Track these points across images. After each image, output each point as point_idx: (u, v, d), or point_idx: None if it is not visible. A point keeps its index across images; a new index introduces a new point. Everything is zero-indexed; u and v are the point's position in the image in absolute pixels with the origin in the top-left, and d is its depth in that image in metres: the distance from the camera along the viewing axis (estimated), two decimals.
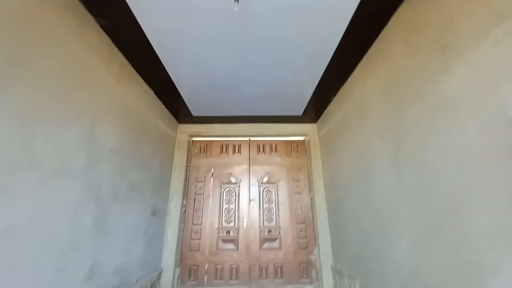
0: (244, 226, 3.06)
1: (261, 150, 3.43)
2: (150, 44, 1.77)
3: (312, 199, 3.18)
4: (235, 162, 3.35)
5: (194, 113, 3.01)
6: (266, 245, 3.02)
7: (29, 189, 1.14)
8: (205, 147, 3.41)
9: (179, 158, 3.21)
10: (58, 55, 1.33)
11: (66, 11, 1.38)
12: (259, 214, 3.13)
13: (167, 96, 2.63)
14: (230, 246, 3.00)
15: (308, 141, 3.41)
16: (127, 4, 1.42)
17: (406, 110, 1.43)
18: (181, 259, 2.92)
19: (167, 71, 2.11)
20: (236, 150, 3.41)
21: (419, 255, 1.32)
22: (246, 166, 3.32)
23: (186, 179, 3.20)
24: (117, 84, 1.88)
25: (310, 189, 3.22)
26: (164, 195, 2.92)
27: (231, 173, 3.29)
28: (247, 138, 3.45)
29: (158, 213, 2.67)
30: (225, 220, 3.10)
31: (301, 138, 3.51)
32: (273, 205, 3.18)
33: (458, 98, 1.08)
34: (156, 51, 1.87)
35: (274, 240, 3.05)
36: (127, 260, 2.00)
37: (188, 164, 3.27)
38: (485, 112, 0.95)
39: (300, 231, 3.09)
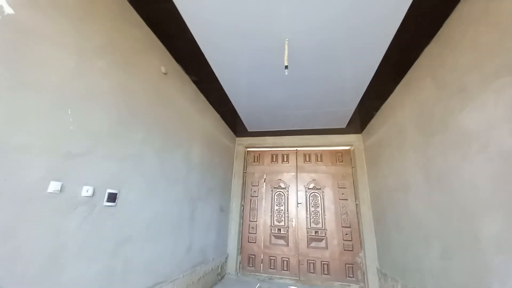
0: (293, 226, 3.51)
1: (307, 159, 3.83)
2: (220, 84, 2.43)
3: (357, 205, 3.40)
4: (284, 169, 3.84)
5: (250, 129, 3.64)
6: (313, 244, 3.41)
7: (162, 190, 1.89)
8: (258, 157, 4.02)
9: (238, 166, 3.89)
10: (174, 107, 2.08)
11: (177, 77, 2.14)
12: (306, 217, 3.53)
13: (228, 117, 3.32)
14: (281, 241, 3.50)
15: (353, 151, 3.64)
16: (208, 63, 2.09)
17: (434, 137, 1.68)
18: (241, 248, 3.57)
19: (230, 99, 2.76)
20: (285, 159, 3.90)
21: (447, 259, 1.56)
22: (294, 173, 3.78)
23: (243, 184, 3.86)
24: (200, 117, 2.62)
25: (356, 197, 3.46)
26: (227, 197, 3.63)
27: (280, 179, 3.79)
28: (294, 149, 3.91)
29: (224, 210, 3.38)
30: (276, 220, 3.62)
31: (346, 147, 3.76)
32: (319, 209, 3.54)
33: (471, 132, 1.33)
34: (225, 90, 2.54)
35: (320, 240, 3.41)
36: (206, 243, 2.72)
37: (245, 171, 3.93)
38: (490, 145, 1.20)
39: (346, 234, 3.36)
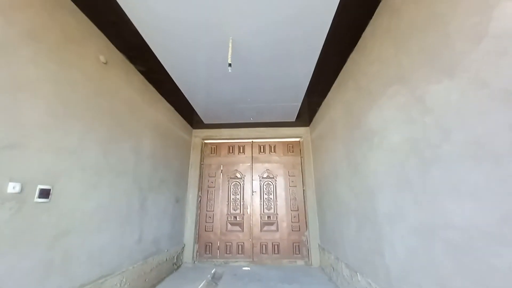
0: (248, 213, 3.76)
1: (262, 150, 4.07)
2: (171, 76, 2.43)
3: (304, 191, 3.80)
4: (240, 160, 4.02)
5: (206, 121, 3.69)
6: (265, 228, 3.71)
7: (107, 182, 1.87)
8: (215, 148, 4.11)
9: (194, 157, 3.93)
10: (119, 98, 2.03)
11: (121, 67, 2.07)
12: (260, 204, 3.80)
13: (183, 110, 3.31)
14: (237, 228, 3.72)
15: (302, 142, 4.00)
16: (155, 55, 2.08)
17: (353, 131, 2.02)
18: (198, 237, 3.69)
19: (183, 92, 2.77)
20: (241, 151, 4.08)
21: (359, 231, 1.94)
22: (249, 164, 3.99)
23: (200, 175, 3.93)
24: (151, 108, 2.58)
25: (303, 183, 3.84)
26: (184, 188, 3.66)
27: (237, 170, 3.97)
28: (250, 140, 4.10)
29: (180, 201, 3.42)
30: (232, 208, 3.81)
31: (296, 139, 4.10)
32: (272, 196, 3.84)
33: (374, 129, 1.66)
34: (177, 83, 2.55)
35: (272, 224, 3.73)
36: (159, 234, 2.76)
37: (202, 163, 3.99)
38: (384, 140, 1.54)
39: (294, 217, 3.74)
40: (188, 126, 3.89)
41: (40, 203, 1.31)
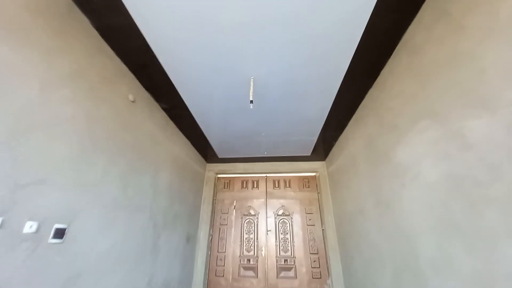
0: (263, 255, 3.46)
1: (277, 185, 3.94)
2: (191, 112, 2.51)
3: (324, 231, 3.52)
4: (254, 196, 3.88)
5: (220, 155, 3.69)
6: (282, 273, 3.36)
7: (124, 219, 1.79)
8: (229, 183, 4.02)
9: (207, 192, 3.83)
10: (142, 133, 2.08)
11: (145, 104, 2.18)
12: (275, 244, 3.52)
13: (199, 144, 3.35)
14: (250, 273, 3.39)
15: (318, 177, 3.87)
16: (179, 93, 2.19)
17: (378, 166, 1.92)
18: (208, 283, 3.36)
19: (200, 127, 2.83)
20: (255, 186, 3.96)
21: (397, 281, 1.69)
22: (263, 200, 3.83)
23: (213, 211, 3.77)
24: (169, 143, 2.63)
25: (322, 222, 3.58)
26: (195, 224, 3.49)
27: (250, 206, 3.80)
28: (264, 175, 4.01)
29: (190, 240, 3.23)
30: (245, 249, 3.53)
31: (312, 174, 3.98)
32: (288, 235, 3.57)
33: (405, 164, 1.57)
34: (195, 118, 2.63)
35: (290, 269, 3.38)
36: (170, 276, 2.53)
37: (214, 198, 3.88)
38: (419, 176, 1.43)
39: (314, 261, 3.40)
40: (203, 160, 3.90)
41: (53, 244, 1.24)
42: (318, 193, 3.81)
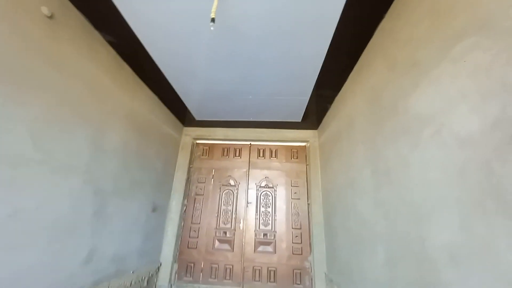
0: (241, 228, 3.15)
1: (261, 155, 3.51)
2: (149, 54, 1.95)
3: (309, 205, 3.19)
4: (235, 165, 3.46)
5: (197, 117, 3.18)
6: (261, 248, 3.08)
7: (35, 180, 1.33)
8: (208, 150, 3.57)
9: (183, 159, 3.39)
10: (74, 71, 1.53)
11: (76, 28, 1.60)
12: (255, 218, 3.20)
13: (171, 102, 2.81)
14: (226, 246, 3.10)
15: (309, 147, 3.44)
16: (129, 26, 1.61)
17: (384, 123, 1.46)
18: (179, 255, 3.07)
19: (165, 76, 2.27)
20: (237, 154, 3.53)
21: (392, 267, 1.33)
22: (245, 170, 3.42)
23: (188, 180, 3.37)
24: (125, 94, 2.09)
25: (308, 196, 3.24)
26: (166, 193, 3.10)
27: (230, 176, 3.40)
28: (248, 143, 3.56)
29: (159, 209, 2.85)
30: (222, 221, 3.21)
31: (302, 144, 3.54)
32: (270, 209, 3.24)
33: (423, 116, 1.10)
34: (162, 70, 2.09)
35: (269, 243, 3.10)
36: (125, 250, 2.18)
37: (191, 166, 3.45)
38: (444, 131, 0.98)
39: (296, 236, 3.11)
40: (178, 122, 3.38)
41: None
42: (307, 165, 3.41)
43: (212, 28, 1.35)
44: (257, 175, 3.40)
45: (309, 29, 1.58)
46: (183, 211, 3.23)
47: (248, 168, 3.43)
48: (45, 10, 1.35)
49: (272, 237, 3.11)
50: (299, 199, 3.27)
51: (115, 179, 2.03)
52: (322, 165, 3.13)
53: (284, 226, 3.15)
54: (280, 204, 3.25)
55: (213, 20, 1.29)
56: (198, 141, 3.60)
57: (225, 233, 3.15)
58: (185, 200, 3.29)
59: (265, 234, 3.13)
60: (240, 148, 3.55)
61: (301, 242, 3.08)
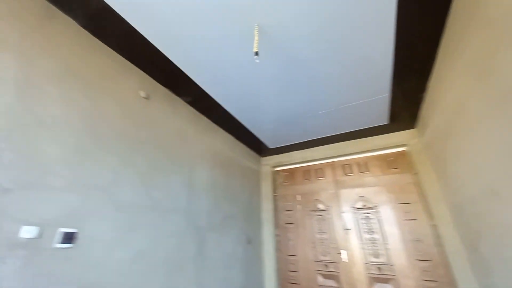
0: (343, 260, 2.69)
1: (348, 171, 3.07)
2: (217, 101, 2.22)
3: (435, 228, 2.39)
4: (320, 187, 3.16)
5: (271, 145, 3.24)
6: (377, 286, 2.48)
7: (149, 222, 1.64)
8: (288, 176, 3.48)
9: (266, 188, 3.44)
10: (165, 130, 1.95)
11: (165, 99, 2.05)
12: (360, 247, 2.68)
13: (245, 137, 3.03)
14: (331, 283, 2.69)
15: (410, 152, 2.73)
16: (197, 84, 1.94)
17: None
18: None
19: (235, 116, 2.50)
20: (319, 175, 3.24)
21: None
22: (333, 191, 3.05)
23: (275, 209, 3.33)
24: (204, 138, 2.43)
25: (430, 215, 2.45)
26: (257, 225, 3.15)
27: (318, 200, 3.11)
28: (329, 160, 3.23)
29: (252, 242, 2.90)
30: (320, 252, 2.87)
31: (399, 149, 2.86)
32: (377, 235, 2.64)
33: None
34: (232, 114, 2.44)
35: (387, 281, 2.46)
36: (228, 286, 2.26)
37: (275, 194, 3.43)
38: None
39: (425, 271, 2.33)
40: (255, 154, 3.56)
41: (61, 249, 1.16)
42: (414, 174, 2.68)
43: (257, 61, 1.40)
44: (349, 195, 2.94)
45: (367, 28, 1.42)
46: (276, 242, 3.14)
47: (335, 188, 3.05)
48: (142, 94, 1.82)
49: (390, 272, 2.46)
50: (415, 220, 2.53)
51: (209, 215, 2.25)
52: (438, 171, 2.36)
53: (404, 257, 2.45)
54: (389, 228, 2.61)
55: (256, 53, 1.35)
56: (277, 168, 3.60)
57: (327, 266, 2.77)
58: (277, 230, 3.21)
59: (379, 268, 2.53)
60: (321, 167, 3.27)
61: (436, 279, 2.26)
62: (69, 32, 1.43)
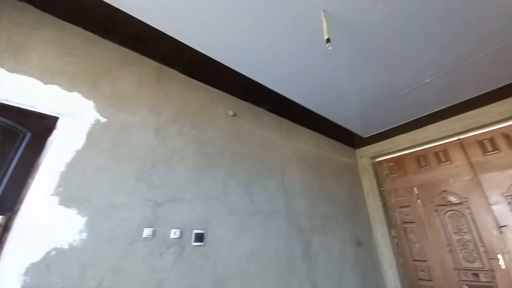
0: (503, 268, 1.95)
1: (490, 148, 2.23)
2: (297, 102, 2.22)
3: None
4: (448, 175, 2.46)
5: (365, 134, 2.86)
6: None
7: (256, 225, 1.83)
8: (395, 166, 2.93)
9: (368, 183, 3.04)
10: (253, 140, 2.14)
11: (248, 113, 2.26)
12: None
13: (333, 131, 2.83)
14: None
15: None
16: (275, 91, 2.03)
17: None
18: None
19: (327, 117, 2.41)
20: (443, 159, 2.53)
21: None
22: (469, 177, 2.30)
23: (384, 206, 2.87)
24: (289, 141, 2.48)
25: None
26: (365, 225, 2.82)
27: (446, 191, 2.43)
28: (454, 138, 2.48)
29: (363, 244, 2.62)
30: (464, 258, 2.21)
31: None
32: None
33: None
34: (314, 110, 2.37)
35: None
36: None
37: (381, 189, 2.96)
38: None
39: None
40: (347, 147, 3.25)
41: (197, 247, 1.49)
42: None
43: (330, 48, 1.30)
44: (499, 180, 2.13)
45: None
46: (394, 245, 2.69)
47: (473, 173, 2.29)
48: (231, 113, 2.10)
49: None
50: None
51: (309, 217, 2.24)
52: None
53: None
54: None
55: (328, 40, 1.27)
56: (378, 159, 3.12)
57: (476, 275, 2.10)
58: (393, 231, 2.75)
59: None
60: (443, 149, 2.56)
61: None
62: (174, 80, 1.86)
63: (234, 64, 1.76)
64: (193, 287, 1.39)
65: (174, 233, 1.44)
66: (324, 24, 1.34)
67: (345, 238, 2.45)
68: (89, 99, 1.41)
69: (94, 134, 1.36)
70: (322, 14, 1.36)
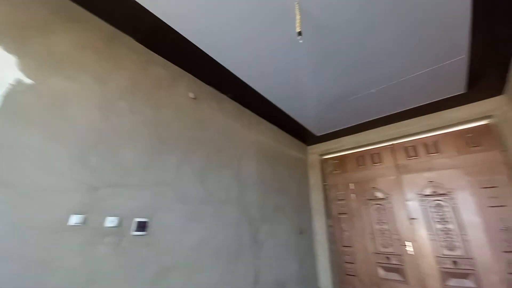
0: (409, 253, 2.43)
1: (413, 154, 2.70)
2: (259, 93, 2.22)
3: None
4: (377, 174, 2.88)
5: (318, 133, 3.09)
6: (452, 282, 2.18)
7: (209, 213, 1.79)
8: (339, 164, 3.28)
9: (314, 178, 3.33)
10: (213, 127, 2.06)
11: (210, 98, 2.15)
12: (430, 239, 2.37)
13: (289, 126, 2.96)
14: (395, 276, 2.49)
15: (497, 124, 2.23)
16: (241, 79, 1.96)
17: None
18: (340, 282, 2.84)
19: (278, 106, 2.45)
20: (376, 160, 2.95)
21: None
22: (393, 177, 2.75)
23: (325, 199, 3.20)
24: (249, 132, 2.48)
25: None
26: (307, 215, 3.10)
27: (375, 188, 2.85)
28: (388, 143, 2.90)
29: (304, 232, 2.88)
30: (381, 244, 2.66)
31: (482, 122, 2.36)
32: (452, 225, 2.29)
33: None
34: (274, 103, 2.37)
35: (465, 276, 2.13)
36: (283, 274, 2.32)
37: (325, 183, 3.29)
38: None
39: None
40: (300, 143, 3.46)
41: (138, 236, 1.36)
42: (503, 151, 2.18)
43: (301, 41, 1.31)
44: (415, 180, 2.60)
45: None
46: (329, 233, 3.05)
47: (397, 174, 2.74)
48: (191, 95, 1.95)
49: (469, 267, 2.12)
50: (504, 206, 2.09)
51: (260, 206, 2.31)
52: None
53: (487, 249, 2.08)
54: (467, 217, 2.23)
55: (299, 33, 1.27)
56: (325, 157, 3.43)
57: (388, 258, 2.56)
58: (329, 221, 3.11)
59: (454, 262, 2.21)
60: (378, 152, 2.97)
61: None
62: (129, 49, 1.61)
63: (197, 41, 1.59)
64: (131, 279, 1.28)
65: (111, 221, 1.28)
66: (298, 17, 1.34)
67: (290, 227, 2.65)
68: (10, 53, 1.10)
69: (15, 98, 1.08)
70: (297, 5, 1.36)
